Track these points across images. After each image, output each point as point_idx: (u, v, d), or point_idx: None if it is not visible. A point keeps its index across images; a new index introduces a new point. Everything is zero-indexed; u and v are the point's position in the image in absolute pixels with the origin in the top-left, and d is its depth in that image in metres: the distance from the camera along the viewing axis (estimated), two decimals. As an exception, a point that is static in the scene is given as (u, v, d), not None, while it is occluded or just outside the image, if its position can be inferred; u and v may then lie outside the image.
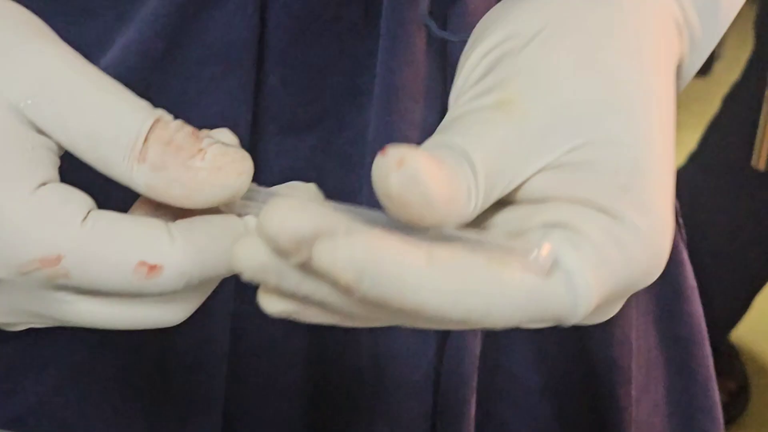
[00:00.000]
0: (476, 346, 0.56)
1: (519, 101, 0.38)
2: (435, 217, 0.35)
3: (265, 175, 0.52)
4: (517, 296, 0.35)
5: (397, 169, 0.34)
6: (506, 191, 0.38)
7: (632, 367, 0.59)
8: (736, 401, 1.81)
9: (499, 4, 0.43)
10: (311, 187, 0.41)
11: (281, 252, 0.34)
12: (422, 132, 0.53)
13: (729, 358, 1.86)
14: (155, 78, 0.51)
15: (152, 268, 0.37)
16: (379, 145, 0.49)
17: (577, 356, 0.58)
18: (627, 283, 0.38)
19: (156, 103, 0.40)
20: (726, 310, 1.73)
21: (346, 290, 0.34)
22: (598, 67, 0.39)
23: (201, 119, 0.48)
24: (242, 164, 0.38)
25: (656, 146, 0.39)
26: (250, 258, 0.35)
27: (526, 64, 0.39)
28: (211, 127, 0.41)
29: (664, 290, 0.65)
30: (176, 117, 0.40)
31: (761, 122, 1.41)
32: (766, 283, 1.68)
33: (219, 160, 0.38)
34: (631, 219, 0.37)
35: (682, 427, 0.66)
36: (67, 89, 0.38)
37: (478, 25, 0.43)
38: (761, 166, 1.43)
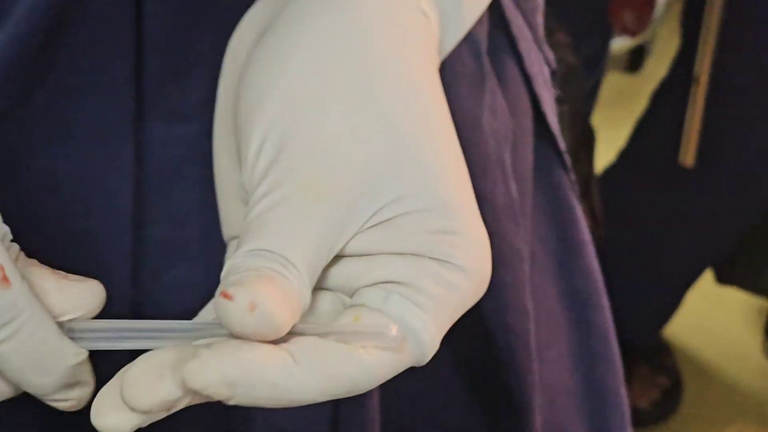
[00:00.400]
0: None
1: (318, 182, 0.40)
2: (283, 333, 0.38)
3: (151, 166, 0.52)
4: (378, 371, 0.39)
5: (250, 312, 0.36)
6: (329, 260, 0.41)
7: (529, 332, 0.59)
8: (669, 398, 1.79)
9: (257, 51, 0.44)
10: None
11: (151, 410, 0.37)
12: None
13: (661, 355, 1.84)
14: (36, 72, 0.50)
15: None
16: None
17: (476, 326, 0.58)
18: (461, 311, 0.41)
19: (38, 97, 0.43)
20: (657, 307, 1.75)
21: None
22: (371, 116, 0.41)
23: (84, 111, 0.50)
24: None
25: (450, 172, 0.41)
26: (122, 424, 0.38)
27: (306, 137, 0.40)
28: (96, 119, 0.46)
29: (561, 247, 0.67)
30: (60, 110, 0.44)
31: (687, 118, 1.46)
32: (696, 279, 1.70)
33: None
34: (458, 260, 0.40)
35: (585, 378, 0.69)
36: None
37: (245, 80, 0.44)
38: (689, 163, 1.49)
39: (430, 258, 0.40)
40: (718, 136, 1.51)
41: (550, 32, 1.29)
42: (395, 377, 0.52)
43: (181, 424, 0.50)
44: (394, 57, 0.42)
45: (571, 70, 1.27)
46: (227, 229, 0.46)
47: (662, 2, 2.43)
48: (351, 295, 0.41)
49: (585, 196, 1.33)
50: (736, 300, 1.91)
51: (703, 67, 1.43)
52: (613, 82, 2.46)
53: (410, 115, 0.41)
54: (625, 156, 1.70)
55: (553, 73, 0.70)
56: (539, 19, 0.64)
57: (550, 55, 0.64)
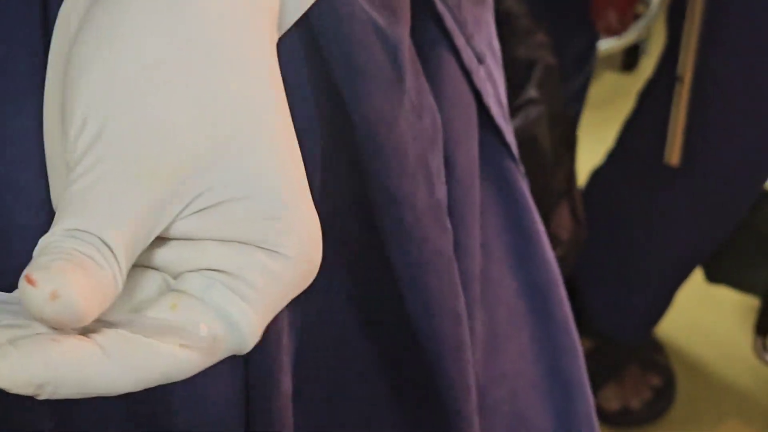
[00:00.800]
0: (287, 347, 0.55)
1: (140, 161, 0.39)
2: (87, 322, 0.37)
3: None
4: (193, 361, 0.39)
5: (51, 301, 0.36)
6: (148, 242, 0.40)
7: (460, 336, 0.59)
8: (662, 397, 1.79)
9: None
10: None
11: None
12: None
13: (654, 354, 1.84)
14: None
15: None
16: None
17: (404, 330, 0.58)
18: (286, 300, 0.41)
19: None
20: (648, 307, 1.74)
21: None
22: (200, 98, 0.40)
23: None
24: None
25: (281, 159, 0.40)
26: None
27: (131, 116, 0.39)
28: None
29: (516, 238, 0.67)
30: None
31: (672, 117, 1.47)
32: (686, 278, 1.70)
33: None
34: (284, 248, 0.40)
35: (548, 369, 0.69)
36: None
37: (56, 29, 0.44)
38: (674, 162, 1.50)
39: (256, 246, 0.40)
40: (703, 135, 1.51)
41: (529, 32, 1.29)
42: (315, 376, 0.51)
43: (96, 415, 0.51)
44: (228, 36, 0.40)
45: (550, 71, 1.26)
46: (56, 201, 0.44)
47: (656, 0, 2.43)
48: (176, 278, 0.41)
49: (567, 196, 1.33)
50: (728, 298, 1.91)
51: (687, 66, 1.44)
52: (608, 81, 2.46)
53: (241, 98, 0.40)
54: (613, 156, 1.70)
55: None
56: (465, 15, 0.63)
57: (480, 50, 0.64)
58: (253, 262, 0.40)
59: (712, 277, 1.70)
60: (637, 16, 2.35)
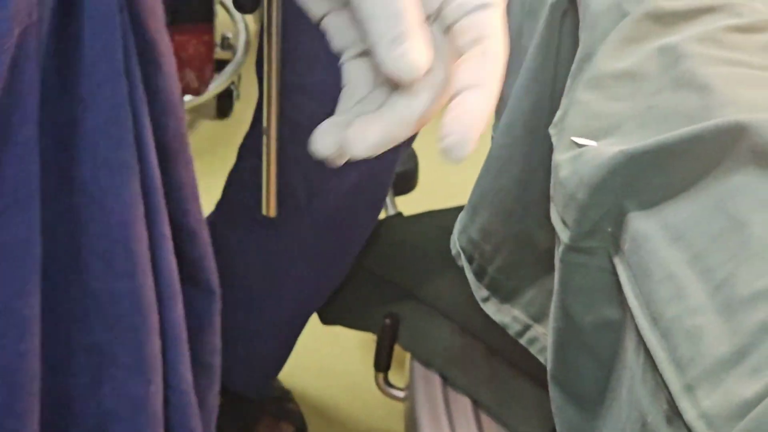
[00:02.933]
0: None
1: None
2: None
3: None
4: None
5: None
6: None
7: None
8: None
9: None
10: None
11: None
12: None
13: (284, 403, 1.83)
14: None
15: None
16: None
17: None
18: None
19: None
20: (273, 355, 1.74)
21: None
22: None
23: None
24: None
25: None
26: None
27: None
28: None
29: None
30: None
31: (264, 170, 1.46)
32: (303, 324, 1.70)
33: None
34: None
35: None
36: None
37: None
38: (271, 213, 1.49)
39: None
40: (294, 182, 1.51)
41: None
42: None
43: None
44: None
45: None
46: None
47: (242, 43, 2.43)
48: None
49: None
50: (351, 335, 1.92)
51: (271, 118, 1.42)
52: (204, 130, 2.44)
53: None
54: (220, 207, 1.67)
55: None
56: None
57: None
58: None
59: (327, 319, 1.70)
60: (224, 63, 2.34)
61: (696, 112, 0.78)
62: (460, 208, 1.19)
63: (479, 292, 1.15)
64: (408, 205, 1.85)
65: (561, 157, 0.84)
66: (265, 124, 1.43)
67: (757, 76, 0.80)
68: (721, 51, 0.82)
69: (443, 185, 1.89)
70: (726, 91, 0.78)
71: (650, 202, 0.77)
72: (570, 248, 0.82)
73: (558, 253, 0.84)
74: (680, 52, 0.82)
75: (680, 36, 0.84)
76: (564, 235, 0.82)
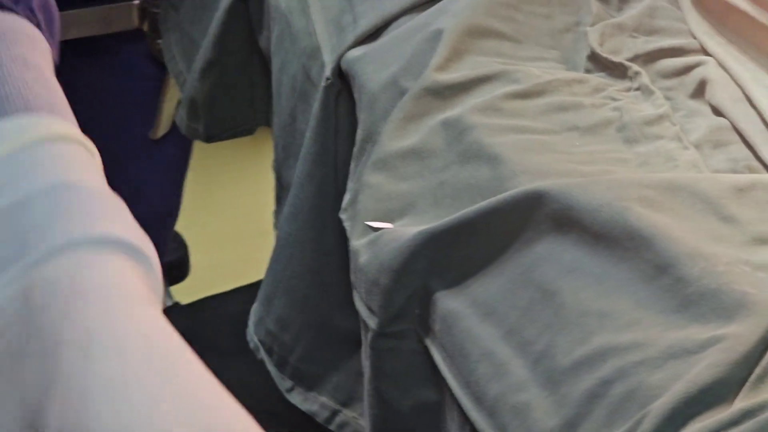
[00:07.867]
0: None
1: None
2: None
3: None
4: None
5: None
6: None
7: None
8: None
9: None
10: None
11: None
12: None
13: None
14: None
15: None
16: None
17: None
18: None
19: None
20: None
21: None
22: None
23: None
24: None
25: None
26: None
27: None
28: None
29: None
30: None
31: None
32: None
33: None
34: None
35: None
36: None
37: None
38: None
39: None
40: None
41: None
42: None
43: None
44: None
45: None
46: None
47: None
48: None
49: None
50: None
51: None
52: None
53: None
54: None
55: None
56: None
57: None
58: None
59: None
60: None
61: (488, 183, 0.78)
62: (240, 290, 1.16)
63: (283, 383, 1.12)
64: (184, 292, 1.80)
65: (358, 242, 0.82)
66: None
67: (543, 140, 0.80)
68: (503, 119, 0.82)
69: (217, 268, 1.85)
70: (515, 159, 0.78)
71: (456, 279, 0.76)
72: (379, 334, 0.80)
73: (367, 340, 0.82)
74: (464, 125, 0.82)
75: (462, 108, 0.83)
76: (371, 321, 0.81)
